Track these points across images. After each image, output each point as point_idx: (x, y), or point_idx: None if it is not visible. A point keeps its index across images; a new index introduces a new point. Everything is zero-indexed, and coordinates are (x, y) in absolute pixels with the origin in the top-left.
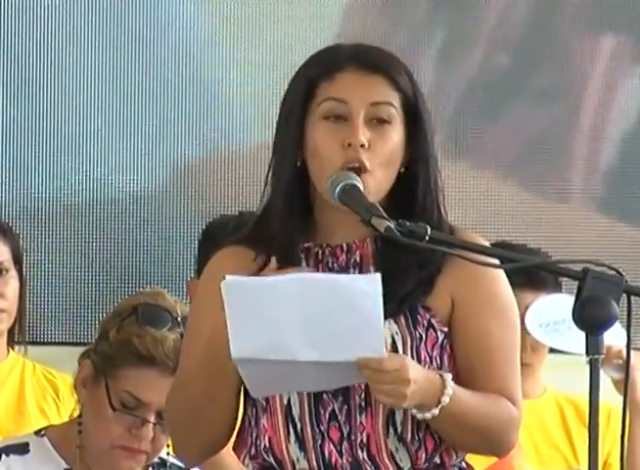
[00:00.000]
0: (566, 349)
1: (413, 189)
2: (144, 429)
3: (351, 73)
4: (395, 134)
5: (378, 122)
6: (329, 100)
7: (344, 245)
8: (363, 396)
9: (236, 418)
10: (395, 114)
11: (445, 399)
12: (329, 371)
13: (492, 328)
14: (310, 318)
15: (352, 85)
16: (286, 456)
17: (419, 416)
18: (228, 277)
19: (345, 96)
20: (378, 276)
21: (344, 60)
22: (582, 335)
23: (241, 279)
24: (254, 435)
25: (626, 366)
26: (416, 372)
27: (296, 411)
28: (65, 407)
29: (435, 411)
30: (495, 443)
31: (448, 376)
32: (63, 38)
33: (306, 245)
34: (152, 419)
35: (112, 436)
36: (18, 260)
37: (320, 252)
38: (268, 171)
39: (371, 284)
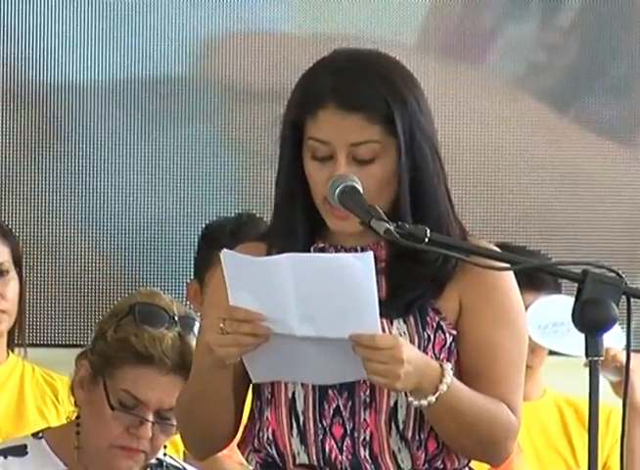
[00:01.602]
0: (564, 351)
1: (420, 196)
2: (142, 428)
3: (331, 112)
4: (382, 168)
5: (361, 162)
6: (312, 140)
7: (359, 247)
8: (368, 392)
9: (237, 420)
10: (379, 147)
11: (443, 388)
12: (330, 358)
13: (500, 339)
14: (305, 296)
15: (332, 126)
16: (288, 449)
17: (415, 403)
18: (225, 250)
19: (327, 137)
20: (370, 254)
21: (326, 94)
22: (581, 337)
23: (238, 254)
24: (257, 427)
25: (626, 368)
26: (411, 353)
27: (299, 405)
28: (64, 410)
29: (432, 399)
30: (492, 447)
31: (448, 365)
32: None
33: (321, 245)
34: (150, 418)
35: (110, 435)
36: (17, 262)
37: (334, 252)
38: (279, 172)
39: (364, 261)
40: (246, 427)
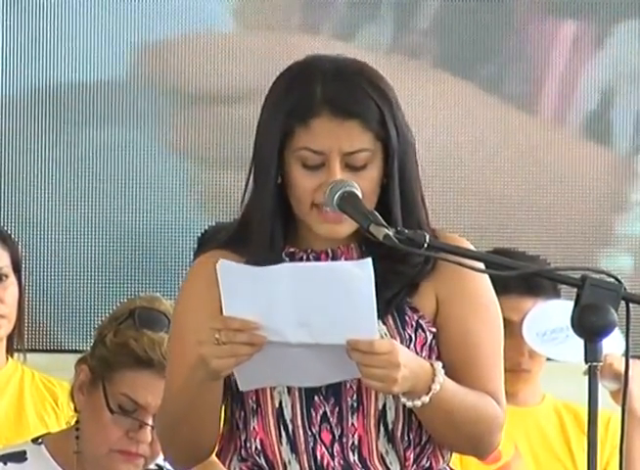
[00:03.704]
0: (563, 359)
1: (393, 198)
2: (142, 432)
3: (326, 120)
4: (374, 172)
5: (354, 168)
6: (305, 150)
7: (329, 250)
8: (355, 397)
9: (218, 429)
10: (371, 154)
11: (436, 387)
12: (321, 361)
13: (472, 327)
14: (302, 303)
15: (327, 135)
16: (278, 458)
17: (409, 404)
18: (222, 260)
19: (321, 148)
20: (369, 261)
21: (318, 102)
22: (580, 343)
23: (234, 264)
24: (244, 437)
25: (625, 373)
26: (406, 357)
27: (287, 413)
28: (64, 415)
29: (426, 399)
30: (480, 441)
31: (439, 364)
32: None
33: (291, 250)
34: (150, 422)
35: (110, 440)
36: (17, 268)
37: (305, 257)
38: (249, 175)
39: (363, 268)
40: (222, 436)
